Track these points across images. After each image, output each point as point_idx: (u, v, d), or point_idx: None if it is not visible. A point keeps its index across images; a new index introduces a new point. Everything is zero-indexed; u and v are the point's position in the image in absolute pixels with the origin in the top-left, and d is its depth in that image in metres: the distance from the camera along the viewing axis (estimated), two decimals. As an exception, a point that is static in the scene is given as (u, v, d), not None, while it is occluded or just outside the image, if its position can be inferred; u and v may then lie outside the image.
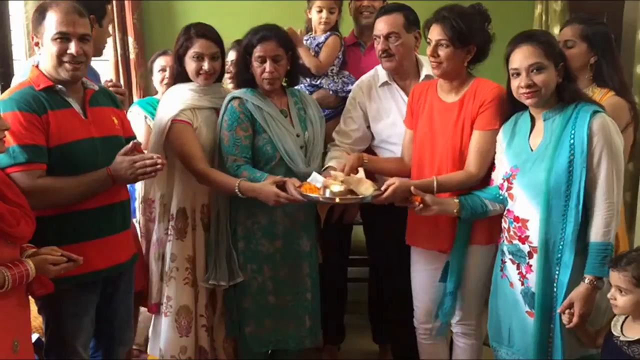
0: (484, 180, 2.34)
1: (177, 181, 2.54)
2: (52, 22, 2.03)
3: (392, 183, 2.25)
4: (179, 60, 2.52)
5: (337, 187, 2.25)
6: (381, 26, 2.56)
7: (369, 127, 2.76)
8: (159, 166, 2.08)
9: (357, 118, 2.74)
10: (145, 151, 2.38)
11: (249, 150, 2.45)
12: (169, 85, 2.64)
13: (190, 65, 2.49)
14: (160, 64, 3.08)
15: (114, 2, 3.99)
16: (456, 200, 2.26)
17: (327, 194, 2.25)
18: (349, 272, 3.29)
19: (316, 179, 2.30)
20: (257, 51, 2.42)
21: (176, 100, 2.49)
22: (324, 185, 2.26)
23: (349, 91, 2.83)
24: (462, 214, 2.26)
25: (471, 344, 2.49)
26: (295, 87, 2.69)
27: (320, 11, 2.91)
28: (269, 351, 2.68)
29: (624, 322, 1.95)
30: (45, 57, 2.08)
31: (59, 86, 2.09)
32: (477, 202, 2.26)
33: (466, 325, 2.46)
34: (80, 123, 2.12)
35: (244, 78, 2.51)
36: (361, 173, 2.38)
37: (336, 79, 2.94)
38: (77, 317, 2.16)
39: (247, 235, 2.50)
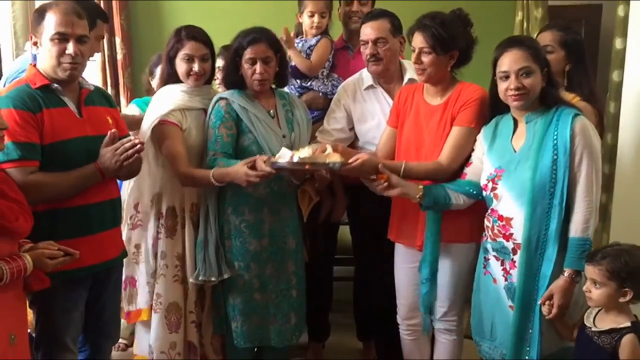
0: (455, 174, 2.37)
1: (167, 180, 2.57)
2: (51, 22, 2.06)
3: (362, 156, 2.29)
4: (170, 61, 2.55)
5: (305, 152, 2.23)
6: (369, 31, 2.61)
7: (351, 128, 2.81)
8: (138, 146, 2.11)
9: (340, 119, 2.79)
10: None
11: (230, 147, 2.47)
12: (159, 86, 2.66)
13: (180, 67, 2.52)
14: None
15: (102, 1, 4.01)
16: (420, 187, 2.28)
17: (295, 159, 2.21)
18: (334, 271, 3.31)
19: (284, 153, 2.29)
20: (248, 53, 2.46)
21: (167, 100, 2.52)
22: (292, 154, 2.24)
23: (338, 93, 2.86)
24: (425, 200, 2.27)
25: (453, 340, 2.53)
26: (285, 89, 2.73)
27: (312, 15, 2.95)
28: (255, 349, 2.71)
29: (596, 314, 2.03)
30: (44, 56, 2.11)
31: (55, 85, 2.12)
32: (441, 193, 2.28)
33: (448, 321, 2.51)
34: (74, 122, 2.14)
35: (233, 80, 2.55)
36: (329, 149, 2.35)
37: (326, 81, 2.99)
38: (68, 312, 2.17)
39: (235, 233, 2.52)
